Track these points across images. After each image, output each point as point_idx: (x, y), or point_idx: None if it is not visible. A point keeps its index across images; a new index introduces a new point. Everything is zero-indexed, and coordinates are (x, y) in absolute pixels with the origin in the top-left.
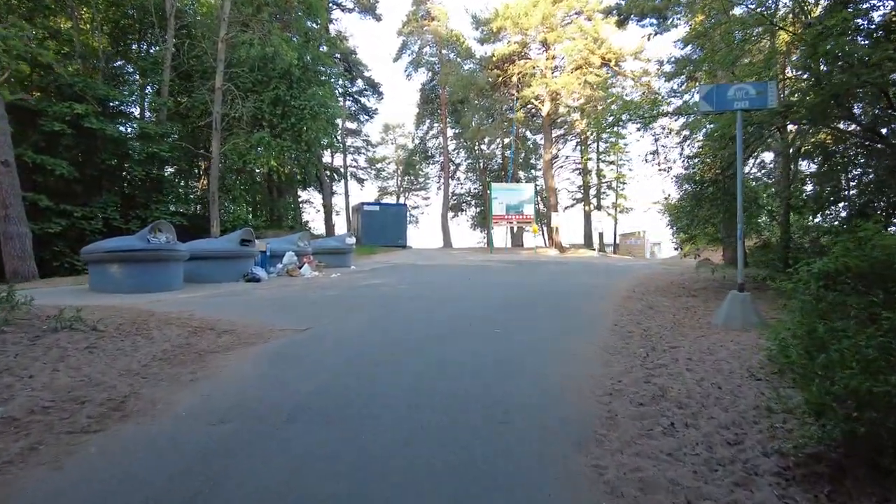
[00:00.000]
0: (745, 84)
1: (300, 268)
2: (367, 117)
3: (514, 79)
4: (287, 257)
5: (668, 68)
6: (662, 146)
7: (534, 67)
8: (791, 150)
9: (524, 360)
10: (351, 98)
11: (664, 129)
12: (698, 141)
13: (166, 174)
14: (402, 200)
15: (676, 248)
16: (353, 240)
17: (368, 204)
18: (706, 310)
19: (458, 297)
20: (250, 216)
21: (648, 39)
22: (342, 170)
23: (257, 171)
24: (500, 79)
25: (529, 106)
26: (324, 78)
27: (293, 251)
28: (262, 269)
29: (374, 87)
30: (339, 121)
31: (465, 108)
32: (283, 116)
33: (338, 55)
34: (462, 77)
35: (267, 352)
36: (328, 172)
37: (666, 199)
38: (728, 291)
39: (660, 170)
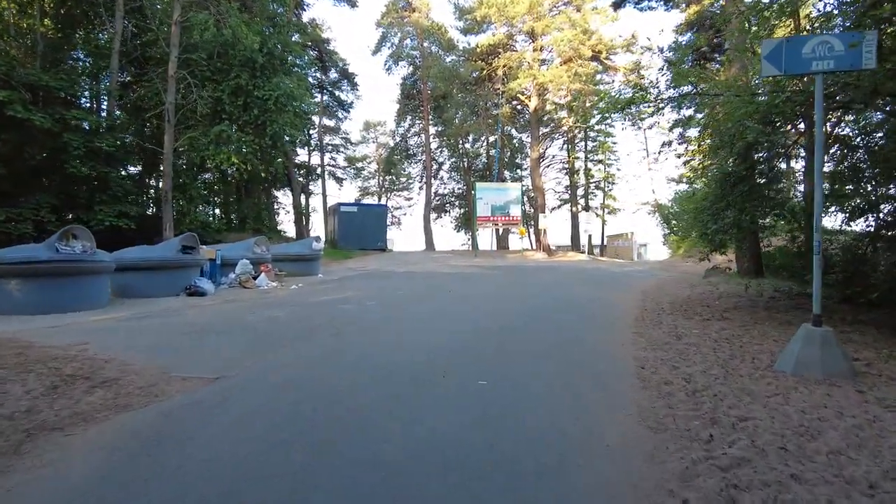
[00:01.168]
0: (829, 36)
1: (256, 278)
2: (343, 112)
3: (500, 72)
4: (240, 266)
5: (668, 55)
6: (681, 133)
7: (520, 60)
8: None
9: (523, 450)
10: (325, 91)
11: (677, 118)
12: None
13: (119, 172)
14: (383, 201)
15: (704, 259)
16: (320, 244)
17: (345, 204)
18: (751, 340)
19: (433, 318)
20: (212, 218)
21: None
22: (319, 169)
23: (230, 170)
24: (485, 72)
25: (515, 102)
26: (295, 68)
27: (248, 259)
28: (207, 281)
29: (348, 78)
30: (315, 118)
31: (448, 104)
32: (246, 108)
33: (309, 43)
34: (444, 68)
35: (139, 426)
36: (301, 171)
37: (692, 195)
38: (765, 311)
39: (684, 162)
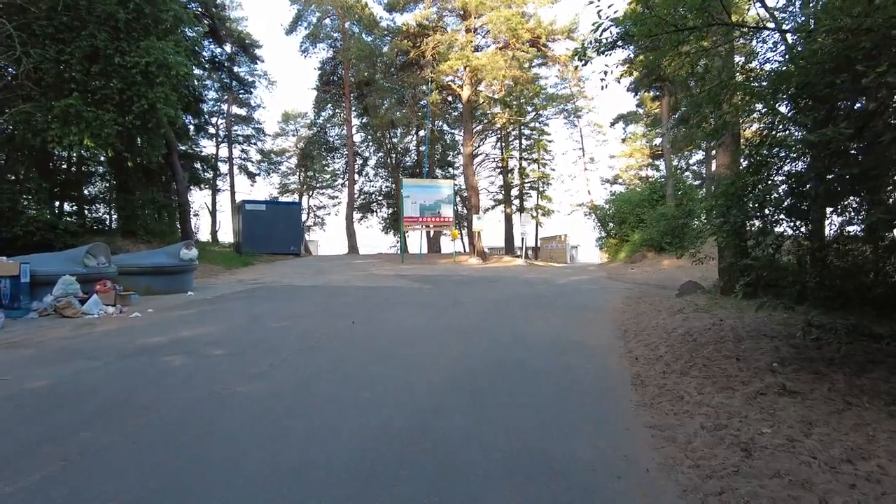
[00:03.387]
0: None
1: (84, 301)
2: (245, 92)
3: (429, 54)
4: (60, 285)
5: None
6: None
7: (452, 41)
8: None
9: None
10: (222, 68)
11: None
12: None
13: None
14: (304, 199)
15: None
16: (192, 252)
17: (251, 202)
18: (877, 464)
19: (297, 399)
20: (73, 217)
21: None
22: (229, 162)
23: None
24: (413, 54)
25: (446, 92)
26: (181, 29)
27: (75, 274)
28: None
29: (246, 50)
30: (225, 105)
31: (372, 90)
32: (105, 77)
33: (197, 6)
34: (364, 46)
35: None
36: (205, 163)
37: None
38: (837, 371)
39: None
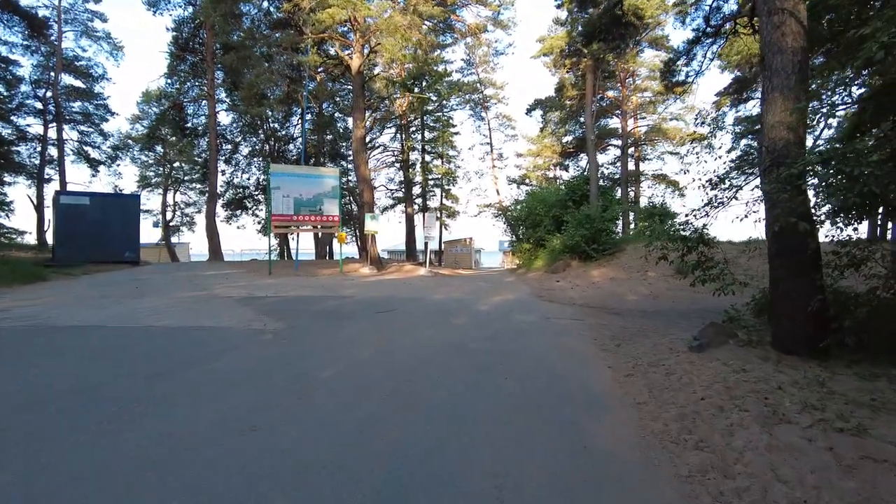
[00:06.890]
0: None
1: None
2: (28, 36)
3: (306, 4)
4: None
5: None
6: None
7: None
8: None
9: None
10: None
11: None
12: None
13: None
14: (170, 194)
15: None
16: None
17: (70, 194)
18: None
19: None
20: None
21: None
22: (58, 144)
23: None
24: (287, 7)
25: (332, 63)
26: None
27: None
28: None
29: None
30: (53, 72)
31: (236, 54)
32: None
33: None
34: None
35: None
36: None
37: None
38: None
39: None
